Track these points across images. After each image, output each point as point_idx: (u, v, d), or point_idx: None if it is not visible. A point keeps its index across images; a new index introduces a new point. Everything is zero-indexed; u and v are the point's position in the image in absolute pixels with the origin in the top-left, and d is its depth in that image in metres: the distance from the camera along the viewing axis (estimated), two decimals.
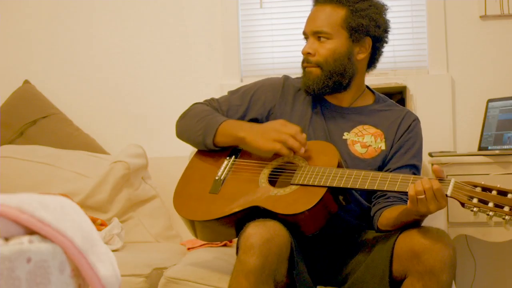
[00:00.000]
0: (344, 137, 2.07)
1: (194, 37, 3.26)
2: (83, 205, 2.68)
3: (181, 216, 2.02)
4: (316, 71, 2.05)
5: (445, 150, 2.93)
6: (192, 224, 2.00)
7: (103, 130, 3.24)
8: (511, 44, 3.09)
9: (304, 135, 1.95)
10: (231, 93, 2.21)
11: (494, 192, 1.68)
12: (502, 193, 1.68)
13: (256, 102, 2.15)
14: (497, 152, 2.64)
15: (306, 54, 2.07)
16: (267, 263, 1.69)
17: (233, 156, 2.07)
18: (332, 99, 2.12)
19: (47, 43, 3.32)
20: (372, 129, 2.08)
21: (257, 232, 1.71)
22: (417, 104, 3.07)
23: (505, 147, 2.69)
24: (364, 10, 2.03)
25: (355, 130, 2.08)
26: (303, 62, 2.09)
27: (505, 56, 3.09)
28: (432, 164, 2.11)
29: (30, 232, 1.02)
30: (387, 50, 3.19)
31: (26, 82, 3.25)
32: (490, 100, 2.87)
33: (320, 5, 2.08)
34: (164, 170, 2.92)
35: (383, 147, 2.05)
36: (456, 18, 3.12)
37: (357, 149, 2.05)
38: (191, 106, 2.20)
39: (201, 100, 2.22)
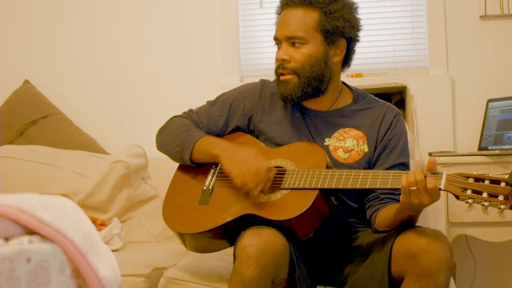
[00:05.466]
0: (325, 143, 2.02)
1: (194, 37, 3.26)
2: (83, 205, 2.68)
3: (173, 230, 2.00)
4: (293, 79, 1.98)
5: (445, 150, 2.93)
6: (183, 237, 1.99)
7: (103, 130, 3.24)
8: (511, 44, 3.09)
9: (267, 174, 1.89)
10: (210, 103, 2.16)
11: (487, 182, 1.66)
12: (495, 181, 1.66)
13: (236, 111, 2.11)
14: (497, 152, 2.64)
15: (281, 61, 1.99)
16: (264, 273, 1.70)
17: (219, 164, 2.02)
18: (310, 104, 2.06)
19: (47, 43, 3.32)
20: (354, 132, 2.03)
21: (253, 243, 1.71)
22: (417, 104, 3.06)
23: (505, 147, 2.69)
24: (337, 11, 1.97)
25: (336, 134, 2.03)
26: (277, 68, 2.01)
27: (505, 56, 3.09)
28: None
29: (30, 232, 1.02)
30: (387, 50, 3.24)
31: (26, 82, 3.25)
32: (490, 100, 2.87)
33: (291, 8, 2.00)
34: (164, 170, 2.89)
35: (366, 149, 2.01)
36: (456, 18, 3.12)
37: (340, 155, 2.00)
38: (169, 120, 2.16)
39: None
